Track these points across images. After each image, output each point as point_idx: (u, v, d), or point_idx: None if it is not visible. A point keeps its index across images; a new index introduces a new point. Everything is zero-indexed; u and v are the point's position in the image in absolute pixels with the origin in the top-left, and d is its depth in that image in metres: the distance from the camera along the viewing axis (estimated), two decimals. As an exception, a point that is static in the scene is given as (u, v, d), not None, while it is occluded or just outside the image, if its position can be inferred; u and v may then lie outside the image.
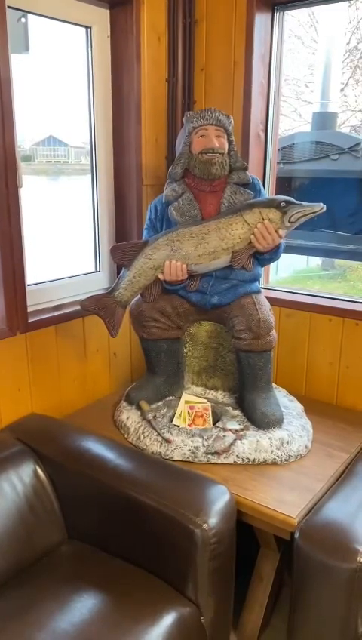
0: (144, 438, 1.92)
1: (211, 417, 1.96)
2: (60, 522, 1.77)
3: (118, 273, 1.95)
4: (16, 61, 1.84)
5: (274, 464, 1.84)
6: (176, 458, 1.84)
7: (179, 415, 1.97)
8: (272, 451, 1.84)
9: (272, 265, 2.48)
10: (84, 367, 2.29)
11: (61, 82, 2.22)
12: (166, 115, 2.38)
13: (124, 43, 2.18)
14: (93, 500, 1.70)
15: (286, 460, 1.85)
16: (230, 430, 1.89)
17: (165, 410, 2.04)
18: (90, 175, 2.33)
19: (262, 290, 2.07)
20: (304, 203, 1.77)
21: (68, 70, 2.22)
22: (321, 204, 1.75)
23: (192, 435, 1.88)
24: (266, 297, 2.02)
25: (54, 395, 2.18)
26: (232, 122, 1.89)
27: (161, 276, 1.87)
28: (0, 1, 1.69)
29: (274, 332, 1.94)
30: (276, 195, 2.39)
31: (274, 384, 2.10)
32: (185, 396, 2.02)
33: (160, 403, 2.08)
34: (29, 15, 1.98)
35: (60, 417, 2.15)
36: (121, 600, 1.49)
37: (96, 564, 1.64)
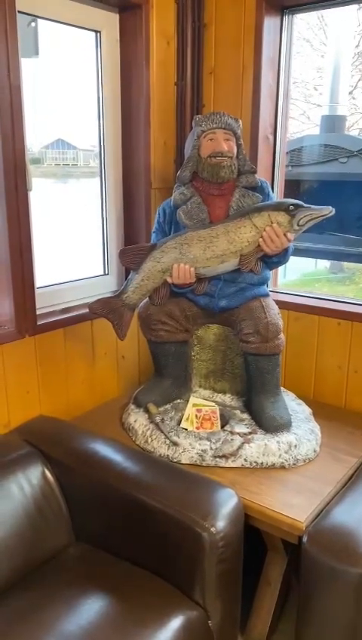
0: (152, 440, 1.92)
1: (219, 421, 1.96)
2: (68, 524, 1.77)
3: (127, 276, 1.96)
4: (26, 65, 1.86)
5: (282, 468, 1.83)
6: (183, 461, 1.84)
7: (187, 418, 1.97)
8: (280, 455, 1.84)
9: (280, 268, 2.47)
10: (92, 369, 2.30)
11: (70, 86, 2.23)
12: (175, 118, 2.38)
13: (133, 47, 2.19)
14: (101, 502, 1.71)
15: (294, 464, 1.84)
16: (238, 433, 1.89)
17: (173, 413, 2.04)
18: (98, 178, 2.34)
19: (271, 293, 2.07)
20: (312, 206, 1.77)
21: (77, 74, 2.23)
22: (330, 207, 1.75)
23: (200, 439, 1.87)
24: (274, 300, 2.02)
25: (62, 397, 2.19)
26: (241, 126, 1.89)
27: (169, 279, 1.87)
28: (10, 6, 1.70)
29: (282, 335, 1.94)
30: (284, 198, 2.39)
31: (282, 387, 2.10)
32: (192, 399, 2.02)
33: (168, 406, 2.08)
34: (39, 19, 1.99)
35: (68, 419, 2.16)
36: (128, 603, 1.49)
37: (103, 566, 1.64)
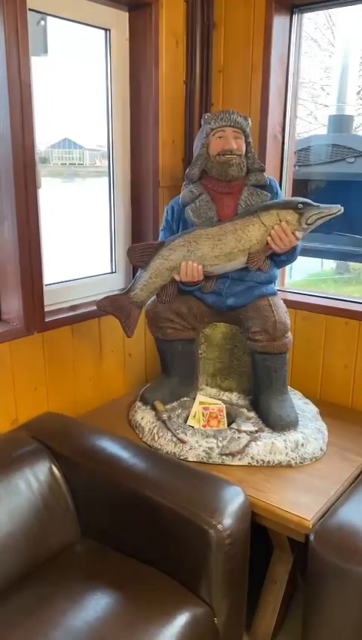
0: (158, 438, 1.92)
1: (225, 419, 1.96)
2: (74, 521, 1.77)
3: (134, 274, 1.96)
4: (35, 63, 1.86)
5: (288, 466, 1.83)
6: (190, 459, 1.84)
7: (194, 416, 1.97)
8: (287, 453, 1.84)
9: (286, 268, 2.47)
10: (99, 366, 2.30)
11: (78, 84, 2.23)
12: (183, 116, 2.39)
13: (142, 45, 2.20)
14: (108, 499, 1.71)
15: (300, 463, 1.84)
16: (244, 432, 1.89)
17: (180, 410, 2.04)
18: (104, 177, 2.34)
19: (278, 292, 2.07)
20: (321, 205, 1.77)
21: (86, 72, 2.24)
22: (339, 206, 1.75)
23: (207, 436, 1.88)
24: (282, 299, 2.02)
25: (70, 394, 2.19)
26: (250, 124, 1.89)
27: (176, 277, 1.87)
28: (21, 4, 1.71)
29: (289, 334, 1.94)
30: (292, 197, 2.39)
31: (289, 386, 2.09)
32: (199, 397, 2.02)
33: (174, 404, 2.09)
34: (49, 18, 2.00)
35: (75, 416, 2.16)
36: (134, 599, 1.49)
37: (109, 563, 1.65)
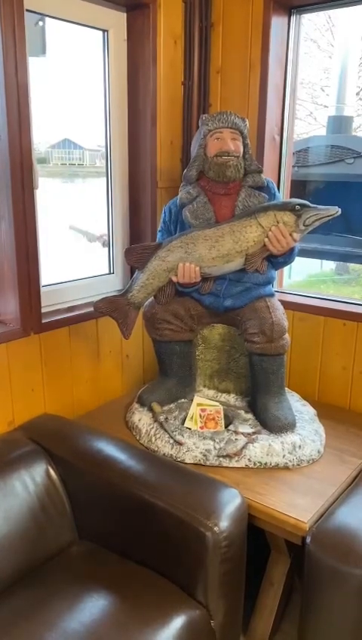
0: (156, 440, 1.92)
1: (223, 420, 1.96)
2: (71, 522, 1.77)
3: (132, 275, 1.96)
4: (33, 64, 1.86)
5: (285, 468, 1.83)
6: (187, 461, 1.84)
7: (191, 418, 1.97)
8: (284, 455, 1.83)
9: (286, 268, 2.47)
10: (96, 368, 2.30)
11: (77, 85, 2.23)
12: (181, 117, 2.38)
13: (140, 46, 2.19)
14: (105, 500, 1.71)
15: (298, 465, 1.84)
16: (242, 433, 1.88)
17: (177, 412, 2.04)
18: (104, 178, 2.34)
19: (276, 293, 2.06)
20: (319, 206, 1.77)
21: (84, 73, 2.24)
22: (336, 207, 1.75)
23: (204, 438, 1.87)
24: (280, 301, 2.02)
25: (67, 395, 2.19)
26: (248, 125, 1.89)
27: (174, 278, 1.87)
28: (19, 4, 1.70)
29: (287, 336, 1.93)
30: (290, 198, 2.39)
31: (286, 388, 2.09)
32: (197, 399, 2.02)
33: (172, 405, 2.08)
34: (46, 18, 1.99)
35: (72, 418, 2.16)
36: (130, 601, 1.49)
37: (106, 565, 1.65)
